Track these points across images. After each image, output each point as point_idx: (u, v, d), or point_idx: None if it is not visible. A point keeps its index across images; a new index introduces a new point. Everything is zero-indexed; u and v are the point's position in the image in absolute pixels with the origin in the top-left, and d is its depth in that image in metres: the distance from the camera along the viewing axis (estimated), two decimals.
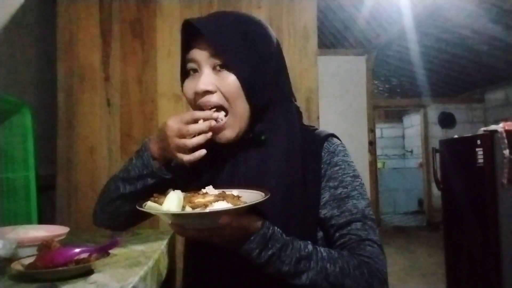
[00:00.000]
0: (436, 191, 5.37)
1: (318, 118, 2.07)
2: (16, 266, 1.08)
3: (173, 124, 0.73)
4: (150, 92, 2.05)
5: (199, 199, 0.66)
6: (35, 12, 2.10)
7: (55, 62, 2.03)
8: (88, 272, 1.09)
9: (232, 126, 0.77)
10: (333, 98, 5.82)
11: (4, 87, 1.78)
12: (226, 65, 0.75)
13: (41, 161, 1.89)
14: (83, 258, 1.12)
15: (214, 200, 0.65)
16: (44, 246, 1.18)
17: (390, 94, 8.41)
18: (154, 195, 0.70)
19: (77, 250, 1.15)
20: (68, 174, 1.99)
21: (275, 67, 0.81)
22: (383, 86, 8.17)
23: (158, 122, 2.05)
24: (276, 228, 0.69)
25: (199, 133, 0.72)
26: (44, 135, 2.03)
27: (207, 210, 0.62)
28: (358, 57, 6.19)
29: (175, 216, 0.65)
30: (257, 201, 0.65)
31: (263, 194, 0.67)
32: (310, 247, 0.70)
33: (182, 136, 0.72)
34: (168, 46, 2.06)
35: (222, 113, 0.75)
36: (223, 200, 0.64)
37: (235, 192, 0.69)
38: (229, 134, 0.78)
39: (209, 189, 0.71)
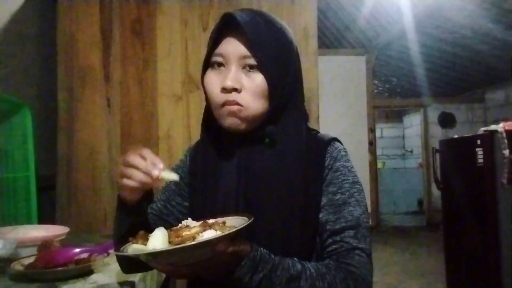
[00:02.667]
0: (436, 191, 5.37)
1: (318, 118, 2.07)
2: (16, 266, 1.08)
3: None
4: (150, 92, 2.05)
5: (185, 232, 0.63)
6: (35, 12, 2.10)
7: (55, 62, 2.03)
8: (88, 272, 1.10)
9: (244, 118, 0.78)
10: (333, 98, 5.82)
11: (4, 87, 1.78)
12: (257, 66, 0.76)
13: (41, 161, 1.89)
14: (83, 258, 1.12)
15: (201, 230, 0.63)
16: (44, 246, 1.18)
17: (390, 94, 8.41)
18: (130, 238, 0.66)
19: (77, 250, 1.15)
20: (68, 174, 1.99)
21: (295, 71, 0.83)
22: (383, 86, 8.17)
23: (158, 122, 2.05)
24: (262, 249, 0.69)
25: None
26: (44, 135, 2.03)
27: (205, 238, 0.59)
28: (358, 57, 6.20)
29: (169, 253, 0.59)
30: (248, 223, 0.63)
31: (245, 218, 0.66)
32: (298, 265, 0.70)
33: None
34: (168, 46, 2.06)
35: (160, 171, 0.69)
36: (209, 229, 0.63)
37: (212, 220, 0.68)
38: (239, 123, 0.78)
39: (189, 222, 0.69)
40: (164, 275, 1.37)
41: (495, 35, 4.94)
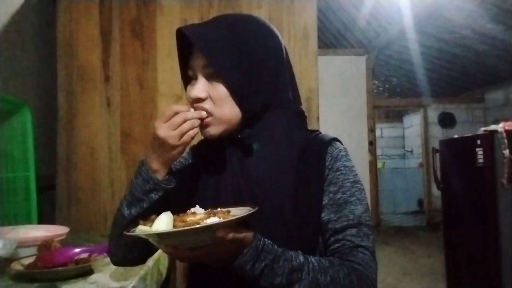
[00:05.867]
0: (436, 191, 5.37)
1: (318, 118, 2.07)
2: (16, 266, 1.08)
3: (162, 126, 0.73)
4: (150, 92, 2.05)
5: (190, 218, 0.66)
6: (35, 12, 2.10)
7: (55, 62, 2.03)
8: (88, 272, 1.10)
9: (215, 125, 0.79)
10: (333, 98, 5.82)
11: (4, 87, 1.78)
12: (216, 75, 0.77)
13: (41, 161, 1.89)
14: (83, 258, 1.12)
15: (205, 217, 0.64)
16: (44, 246, 1.18)
17: (390, 94, 8.41)
18: (140, 221, 0.68)
19: (77, 250, 1.15)
20: (68, 174, 1.99)
21: (274, 72, 0.81)
22: (383, 86, 8.17)
23: None
24: (266, 240, 0.70)
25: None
26: (44, 135, 2.03)
27: (206, 223, 0.61)
28: (358, 57, 6.19)
29: (169, 235, 0.62)
30: (251, 212, 0.65)
31: (250, 208, 0.68)
32: (301, 257, 0.71)
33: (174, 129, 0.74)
34: (168, 46, 2.06)
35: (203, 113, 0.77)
36: (214, 216, 0.65)
37: (218, 209, 0.70)
38: (211, 131, 0.79)
39: (197, 209, 0.71)
40: (164, 275, 1.37)
41: (495, 35, 4.94)
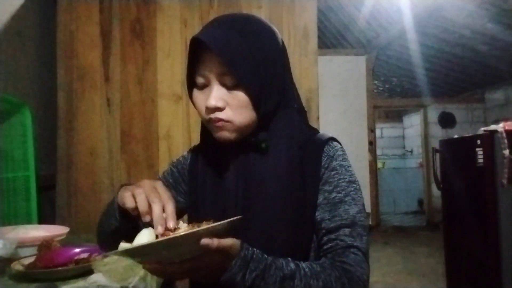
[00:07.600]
0: (436, 191, 5.36)
1: (318, 118, 2.08)
2: (16, 266, 1.08)
3: (146, 187, 0.70)
4: (150, 92, 2.05)
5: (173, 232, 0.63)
6: (35, 12, 2.10)
7: (55, 62, 2.03)
8: (88, 272, 1.10)
9: (234, 131, 0.78)
10: (333, 98, 5.82)
11: (4, 87, 1.78)
12: (237, 83, 0.76)
13: (41, 161, 1.89)
14: (83, 258, 1.12)
15: (189, 229, 0.62)
16: (44, 246, 1.18)
17: (390, 94, 8.41)
18: (122, 240, 0.65)
19: (77, 250, 1.15)
20: (68, 174, 1.99)
21: (281, 72, 0.82)
22: (383, 86, 8.18)
23: (158, 122, 2.05)
24: (255, 249, 0.68)
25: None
26: (44, 135, 2.03)
27: (188, 231, 0.59)
28: (358, 57, 6.20)
29: (152, 247, 0.58)
30: (234, 219, 0.63)
31: (235, 220, 0.65)
32: (292, 264, 0.70)
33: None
34: (168, 46, 2.06)
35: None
36: (197, 228, 0.62)
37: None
38: (228, 135, 0.79)
39: (180, 224, 0.69)
40: None
41: (495, 35, 4.94)
